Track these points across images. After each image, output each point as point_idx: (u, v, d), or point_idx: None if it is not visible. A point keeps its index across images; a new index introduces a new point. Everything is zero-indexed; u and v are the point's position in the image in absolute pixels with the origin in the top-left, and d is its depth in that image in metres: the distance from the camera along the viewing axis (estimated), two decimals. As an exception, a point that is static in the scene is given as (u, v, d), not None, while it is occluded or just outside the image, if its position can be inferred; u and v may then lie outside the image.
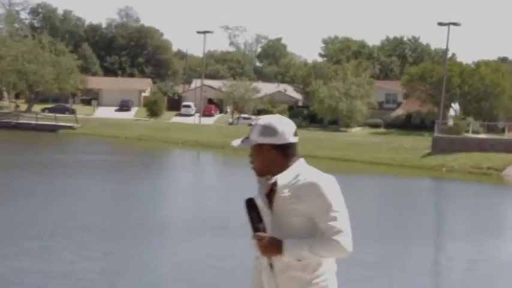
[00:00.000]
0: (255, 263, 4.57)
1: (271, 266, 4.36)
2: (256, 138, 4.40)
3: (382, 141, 68.96)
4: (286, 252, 4.20)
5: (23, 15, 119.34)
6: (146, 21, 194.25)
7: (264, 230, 4.27)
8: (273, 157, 4.37)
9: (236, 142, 4.50)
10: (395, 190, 40.48)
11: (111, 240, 18.59)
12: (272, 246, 4.21)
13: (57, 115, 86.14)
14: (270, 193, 4.37)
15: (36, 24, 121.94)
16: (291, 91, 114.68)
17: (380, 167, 54.90)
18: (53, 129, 79.77)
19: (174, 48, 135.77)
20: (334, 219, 4.19)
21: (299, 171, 4.35)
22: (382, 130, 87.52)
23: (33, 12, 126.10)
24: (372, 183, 44.18)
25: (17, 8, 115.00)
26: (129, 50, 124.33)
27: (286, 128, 4.43)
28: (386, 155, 60.23)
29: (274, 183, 4.33)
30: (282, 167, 4.37)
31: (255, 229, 4.28)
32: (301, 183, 4.28)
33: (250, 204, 4.34)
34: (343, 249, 4.20)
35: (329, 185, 4.25)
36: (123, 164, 47.05)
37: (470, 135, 68.52)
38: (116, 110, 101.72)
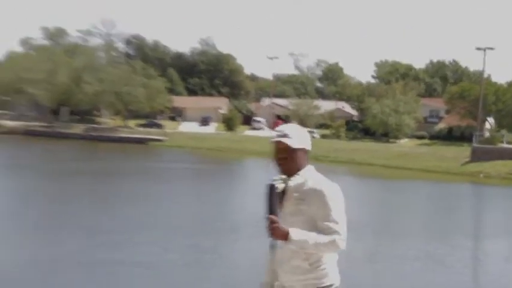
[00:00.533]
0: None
1: (273, 247, 4.36)
2: (296, 143, 4.35)
3: (427, 151, 68.42)
4: (292, 240, 4.15)
5: (119, 45, 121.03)
6: (223, 48, 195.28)
7: (277, 216, 4.18)
8: (301, 160, 4.37)
9: (274, 138, 4.38)
10: (440, 193, 40.22)
11: (194, 236, 18.70)
12: (280, 231, 4.14)
13: (148, 129, 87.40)
14: (282, 192, 4.34)
15: (130, 53, 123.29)
16: (347, 108, 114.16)
17: (426, 173, 54.47)
18: (145, 141, 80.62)
19: (247, 72, 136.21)
20: (334, 221, 4.17)
21: (308, 176, 4.33)
22: (427, 141, 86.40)
23: (128, 42, 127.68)
24: (420, 187, 43.85)
25: (113, 39, 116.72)
26: (208, 74, 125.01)
27: (309, 137, 4.50)
28: (432, 163, 59.76)
29: (285, 183, 4.34)
30: (303, 169, 4.38)
31: (271, 212, 4.19)
32: (309, 187, 4.27)
33: (272, 190, 4.25)
34: (337, 247, 4.19)
35: (332, 192, 4.24)
36: (205, 171, 47.37)
37: (505, 145, 67.52)
38: (198, 125, 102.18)
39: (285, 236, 4.14)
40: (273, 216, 4.17)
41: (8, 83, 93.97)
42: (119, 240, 17.28)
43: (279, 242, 4.27)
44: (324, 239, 4.16)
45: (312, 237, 4.16)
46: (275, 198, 4.24)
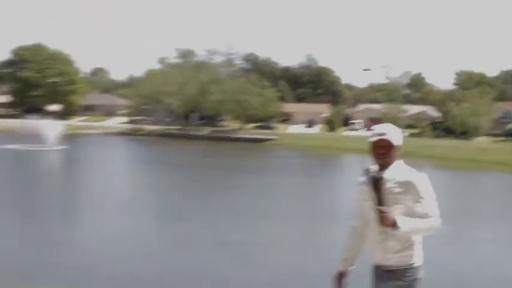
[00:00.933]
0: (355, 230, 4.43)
1: (383, 233, 4.17)
2: (395, 140, 4.20)
3: (502, 146, 66.39)
4: (400, 227, 3.98)
5: (237, 61, 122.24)
6: (323, 62, 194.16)
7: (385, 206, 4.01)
8: (396, 155, 4.22)
9: (375, 136, 4.21)
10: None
11: (308, 220, 18.66)
12: (390, 220, 3.97)
13: (263, 131, 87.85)
14: (375, 182, 4.16)
15: (246, 67, 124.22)
16: (431, 111, 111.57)
17: (502, 166, 52.86)
18: (260, 141, 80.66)
19: (344, 81, 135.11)
20: (429, 206, 4.04)
21: (401, 169, 4.19)
22: (501, 138, 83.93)
23: (244, 59, 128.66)
24: (498, 178, 42.79)
25: (233, 57, 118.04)
26: (312, 84, 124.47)
27: (402, 135, 4.29)
28: (507, 157, 58.00)
29: (381, 176, 4.17)
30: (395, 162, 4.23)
31: (380, 202, 4.04)
32: (403, 178, 4.11)
33: (378, 181, 4.09)
34: (436, 228, 4.06)
35: (423, 180, 4.10)
36: (312, 165, 47.13)
37: None
38: (304, 127, 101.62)
39: (393, 224, 3.99)
40: (382, 207, 4.05)
41: (148, 95, 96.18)
42: (248, 224, 17.12)
43: (384, 228, 4.10)
44: (424, 223, 4.03)
45: (416, 223, 4.02)
46: (381, 190, 4.10)
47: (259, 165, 42.22)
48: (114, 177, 30.24)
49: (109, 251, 13.38)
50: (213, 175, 32.72)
